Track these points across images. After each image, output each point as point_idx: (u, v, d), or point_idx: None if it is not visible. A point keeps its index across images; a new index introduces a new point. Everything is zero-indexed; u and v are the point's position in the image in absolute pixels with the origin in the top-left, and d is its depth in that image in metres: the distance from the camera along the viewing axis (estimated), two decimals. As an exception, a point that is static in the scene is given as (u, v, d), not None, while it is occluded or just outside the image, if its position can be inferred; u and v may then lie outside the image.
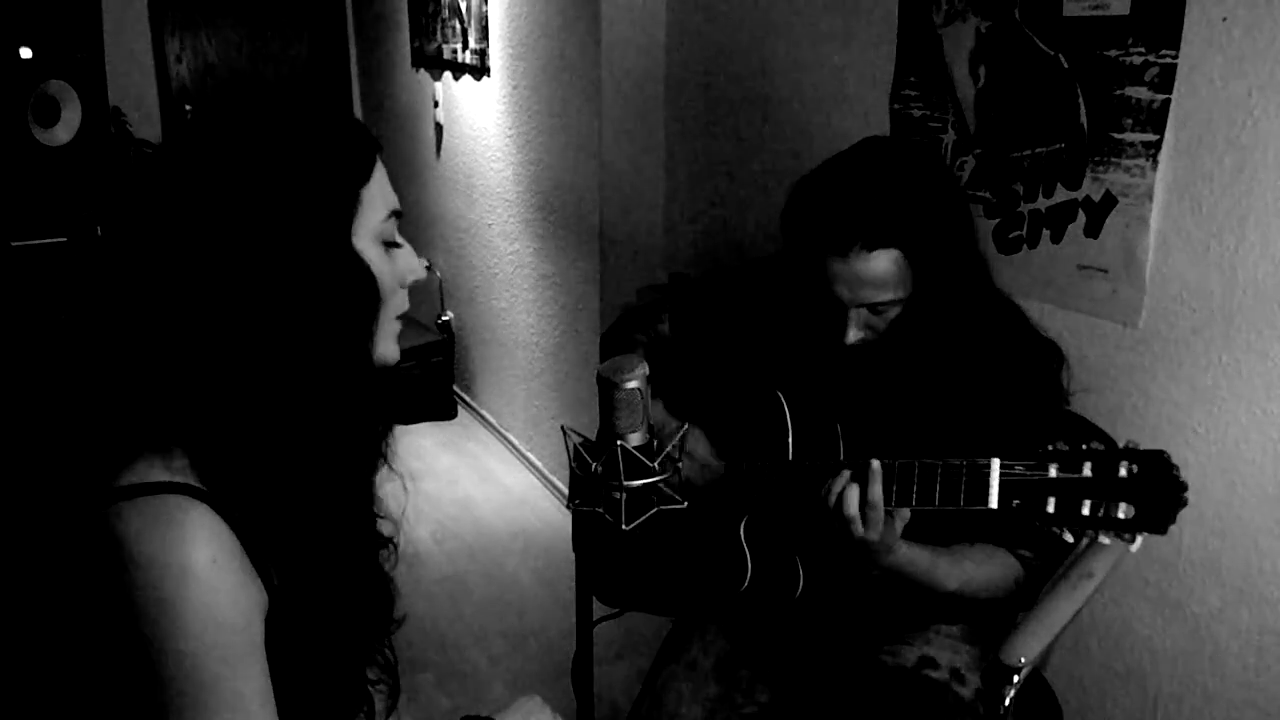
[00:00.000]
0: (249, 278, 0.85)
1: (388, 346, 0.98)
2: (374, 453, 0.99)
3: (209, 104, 1.02)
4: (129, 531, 0.81)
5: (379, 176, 0.94)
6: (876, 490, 1.23)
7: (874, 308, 1.34)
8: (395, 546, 1.07)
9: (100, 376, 0.88)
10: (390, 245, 0.96)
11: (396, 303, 0.98)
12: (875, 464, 1.23)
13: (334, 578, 0.95)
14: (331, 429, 0.91)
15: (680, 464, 1.31)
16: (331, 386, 0.89)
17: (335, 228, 0.90)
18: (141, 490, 0.82)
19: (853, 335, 1.36)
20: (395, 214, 0.96)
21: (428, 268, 1.08)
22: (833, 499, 1.25)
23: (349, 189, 0.91)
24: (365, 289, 0.91)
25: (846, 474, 1.26)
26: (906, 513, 1.25)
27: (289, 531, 0.89)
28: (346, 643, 0.99)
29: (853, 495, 1.24)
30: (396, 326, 0.99)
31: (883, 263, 1.30)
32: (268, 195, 0.86)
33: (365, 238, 0.92)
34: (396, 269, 0.96)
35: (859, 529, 1.24)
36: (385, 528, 1.06)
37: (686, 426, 1.46)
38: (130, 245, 0.91)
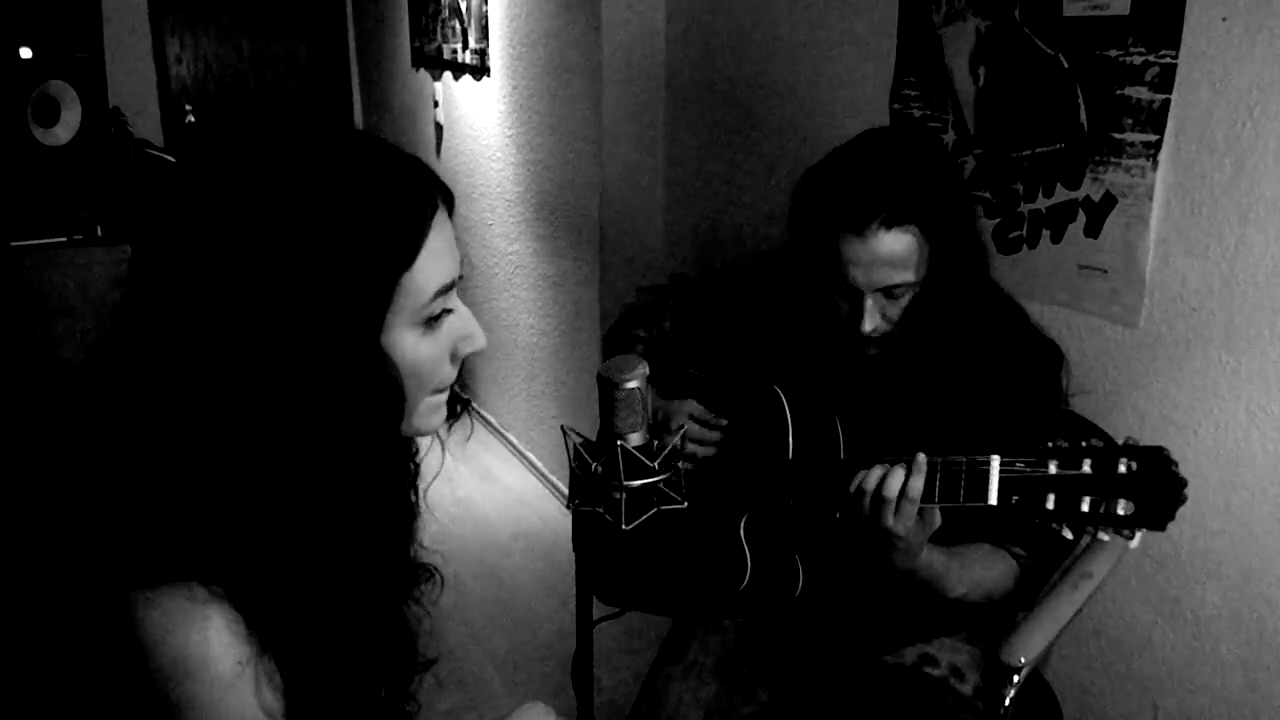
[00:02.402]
0: (257, 383, 0.77)
1: (426, 421, 0.88)
2: (401, 540, 0.95)
3: (229, 158, 0.86)
4: (152, 628, 0.78)
5: (433, 246, 0.80)
6: (917, 484, 1.19)
7: (889, 291, 1.32)
8: (440, 578, 1.04)
9: (110, 485, 0.81)
10: (435, 320, 0.83)
11: (441, 377, 0.87)
12: (921, 457, 1.20)
13: (358, 671, 0.92)
14: (352, 527, 0.85)
15: (680, 464, 1.30)
16: (349, 487, 0.83)
17: (360, 330, 0.78)
18: (164, 575, 0.78)
19: (869, 323, 1.33)
20: (449, 286, 0.83)
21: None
22: (871, 485, 1.21)
23: (385, 281, 0.78)
24: (384, 395, 0.81)
25: (885, 466, 1.22)
26: (938, 517, 1.22)
27: (310, 629, 0.86)
28: (368, 714, 0.97)
29: (894, 483, 1.20)
30: (439, 400, 0.89)
31: (901, 241, 1.29)
32: (282, 294, 0.76)
33: (401, 327, 0.81)
34: (443, 342, 0.85)
35: (890, 520, 1.21)
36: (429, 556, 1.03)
37: (686, 427, 1.45)
38: (127, 345, 0.82)
